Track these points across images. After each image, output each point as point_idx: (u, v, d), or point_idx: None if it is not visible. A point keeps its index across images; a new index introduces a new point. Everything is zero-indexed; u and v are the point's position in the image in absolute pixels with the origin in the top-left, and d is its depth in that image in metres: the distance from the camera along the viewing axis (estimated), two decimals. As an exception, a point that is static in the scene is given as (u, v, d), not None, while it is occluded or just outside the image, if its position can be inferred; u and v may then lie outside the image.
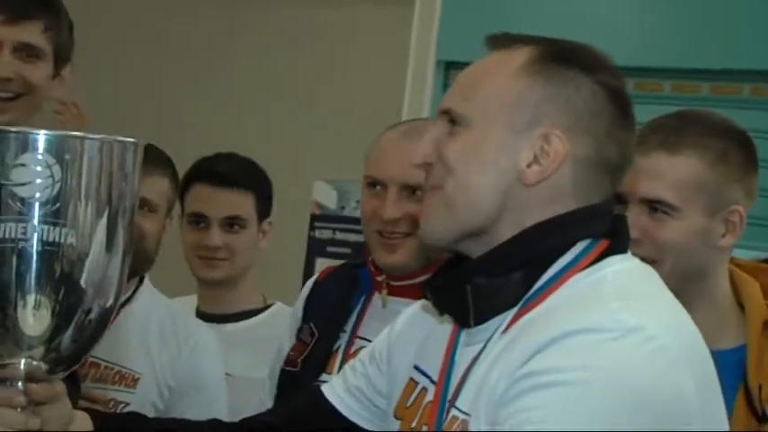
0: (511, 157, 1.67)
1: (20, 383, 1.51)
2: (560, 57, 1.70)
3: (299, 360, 2.60)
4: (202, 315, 3.11)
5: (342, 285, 2.65)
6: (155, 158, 2.91)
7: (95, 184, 1.48)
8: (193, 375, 2.89)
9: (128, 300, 2.91)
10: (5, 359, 1.51)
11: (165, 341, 2.91)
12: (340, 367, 2.52)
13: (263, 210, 3.20)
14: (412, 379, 1.80)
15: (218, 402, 2.91)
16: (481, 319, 1.67)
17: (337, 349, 2.57)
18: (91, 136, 1.49)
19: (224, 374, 2.97)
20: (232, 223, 3.13)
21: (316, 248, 5.30)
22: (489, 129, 1.68)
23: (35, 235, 1.45)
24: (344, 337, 2.57)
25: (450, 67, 5.36)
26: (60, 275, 1.46)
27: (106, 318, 1.56)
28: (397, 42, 5.31)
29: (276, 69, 5.38)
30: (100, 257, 1.50)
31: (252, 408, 2.63)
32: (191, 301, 3.22)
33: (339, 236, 5.23)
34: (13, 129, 1.47)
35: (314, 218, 5.45)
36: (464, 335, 1.72)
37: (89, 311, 1.52)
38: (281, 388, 2.64)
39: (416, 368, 1.81)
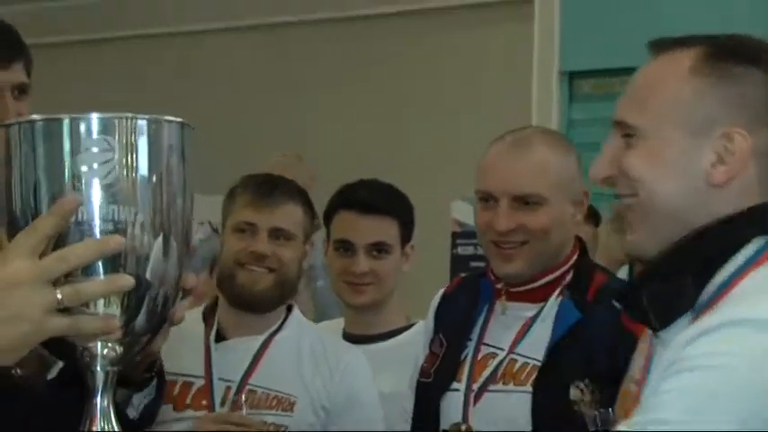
0: (695, 161, 1.64)
1: (98, 366, 1.48)
2: (726, 54, 1.67)
3: (432, 371, 2.66)
4: (349, 337, 3.21)
5: (466, 296, 2.69)
6: (286, 189, 3.00)
7: (151, 164, 1.46)
8: (348, 396, 2.97)
9: (278, 329, 3.00)
10: (81, 344, 1.47)
11: (317, 366, 2.97)
12: (468, 375, 2.57)
13: (406, 234, 3.25)
14: None
15: (375, 421, 2.99)
16: (663, 324, 1.66)
17: (465, 357, 2.60)
18: (142, 116, 1.47)
19: (378, 393, 3.06)
20: (377, 249, 3.18)
21: (459, 265, 5.40)
22: (668, 135, 1.66)
23: (98, 217, 1.43)
24: (471, 345, 2.60)
25: (573, 77, 5.43)
26: (126, 256, 1.43)
27: (173, 297, 1.52)
28: (521, 58, 5.42)
29: (412, 92, 5.52)
30: (160, 235, 1.46)
31: (400, 422, 2.73)
32: (337, 324, 3.33)
33: (481, 251, 5.32)
34: (65, 115, 1.45)
35: (455, 235, 5.56)
36: (657, 340, 1.72)
37: (158, 293, 1.48)
38: (417, 399, 2.69)
39: None
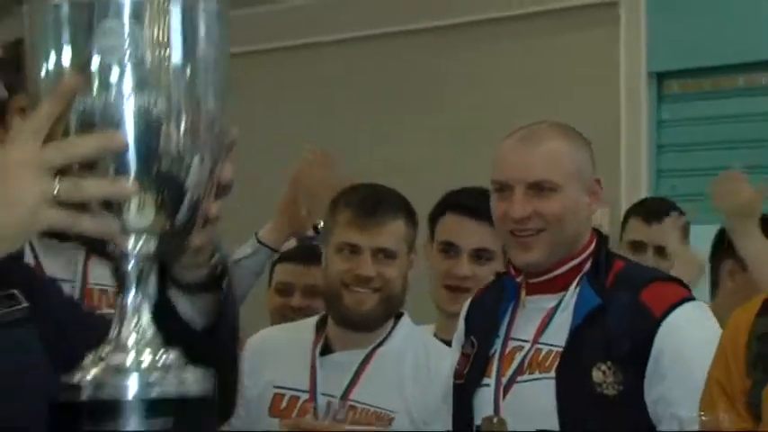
0: None
1: (131, 262, 1.40)
2: None
3: (464, 372, 2.70)
4: (441, 342, 3.24)
5: (491, 297, 2.74)
6: (389, 204, 2.98)
7: (185, 51, 1.37)
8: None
9: (383, 340, 3.00)
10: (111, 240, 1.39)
11: (417, 375, 2.97)
12: (497, 369, 2.62)
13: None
14: None
15: None
16: None
17: (494, 353, 2.64)
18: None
19: None
20: (480, 255, 3.22)
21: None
22: None
23: (127, 103, 1.34)
24: (499, 341, 2.64)
25: (662, 78, 5.43)
26: (156, 142, 1.35)
27: (207, 194, 1.43)
28: (608, 60, 5.43)
29: (492, 101, 5.56)
30: (191, 120, 1.37)
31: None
32: (427, 331, 3.34)
33: None
34: None
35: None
36: None
37: (191, 190, 1.40)
38: (454, 401, 2.74)
39: None
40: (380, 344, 2.96)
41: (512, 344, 2.63)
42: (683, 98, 5.41)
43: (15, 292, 1.60)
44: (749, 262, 3.36)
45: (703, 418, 2.04)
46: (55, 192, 1.30)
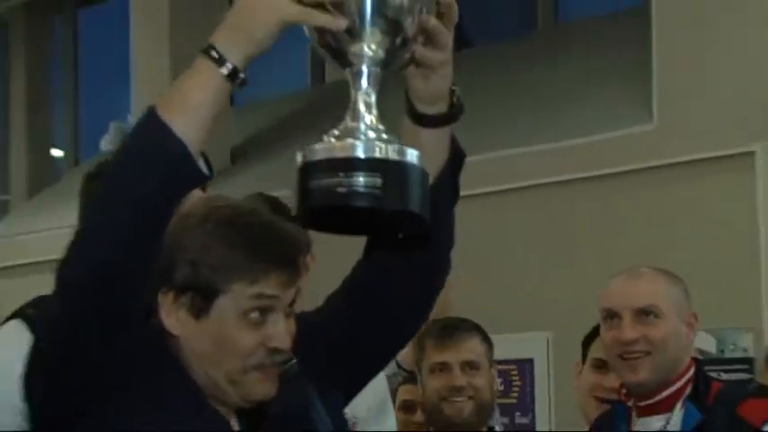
0: None
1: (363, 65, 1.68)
2: None
3: None
4: None
5: (607, 419, 2.91)
6: (462, 328, 3.35)
7: None
8: None
9: None
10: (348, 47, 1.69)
11: None
12: None
13: None
14: None
15: None
16: None
17: None
18: None
19: None
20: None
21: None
22: None
23: None
24: None
25: None
26: None
27: (418, 16, 1.70)
28: (745, 206, 5.80)
29: (649, 244, 5.82)
30: None
31: None
32: None
33: (724, 376, 5.72)
34: None
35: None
36: None
37: (408, 16, 1.69)
38: None
39: None
40: None
41: None
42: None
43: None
44: None
45: None
46: None
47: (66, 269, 1.65)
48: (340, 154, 1.61)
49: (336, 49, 1.68)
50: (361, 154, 1.60)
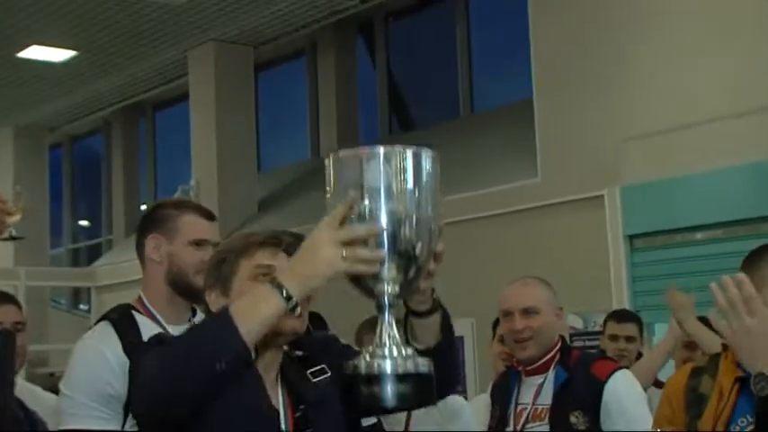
0: None
1: (385, 298, 1.60)
2: None
3: (493, 426, 2.99)
4: None
5: (504, 381, 3.02)
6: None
7: (413, 177, 1.56)
8: None
9: None
10: (372, 285, 1.62)
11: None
12: (513, 421, 2.91)
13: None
14: None
15: None
16: None
17: (509, 413, 2.93)
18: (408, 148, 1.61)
19: None
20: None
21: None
22: None
23: (382, 209, 1.54)
24: (511, 406, 2.93)
25: (632, 238, 5.80)
26: (399, 232, 1.56)
27: (430, 255, 1.64)
28: (598, 232, 5.95)
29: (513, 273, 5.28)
30: (418, 219, 1.58)
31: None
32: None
33: (588, 343, 5.74)
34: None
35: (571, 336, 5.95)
36: None
37: (421, 253, 1.60)
38: None
39: None
40: None
41: (519, 406, 2.97)
42: (648, 250, 5.90)
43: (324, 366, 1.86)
44: (693, 336, 3.64)
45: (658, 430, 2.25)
46: (343, 254, 1.60)
47: (141, 393, 1.68)
48: (374, 371, 1.62)
49: (363, 285, 1.68)
50: (387, 370, 1.60)
